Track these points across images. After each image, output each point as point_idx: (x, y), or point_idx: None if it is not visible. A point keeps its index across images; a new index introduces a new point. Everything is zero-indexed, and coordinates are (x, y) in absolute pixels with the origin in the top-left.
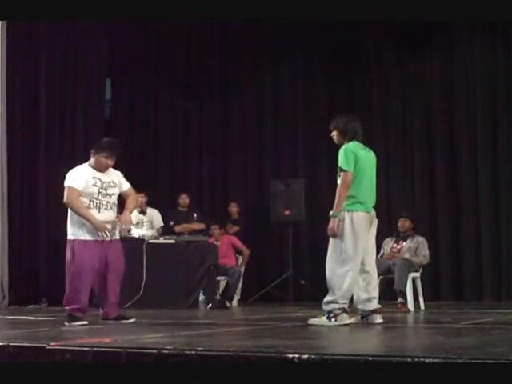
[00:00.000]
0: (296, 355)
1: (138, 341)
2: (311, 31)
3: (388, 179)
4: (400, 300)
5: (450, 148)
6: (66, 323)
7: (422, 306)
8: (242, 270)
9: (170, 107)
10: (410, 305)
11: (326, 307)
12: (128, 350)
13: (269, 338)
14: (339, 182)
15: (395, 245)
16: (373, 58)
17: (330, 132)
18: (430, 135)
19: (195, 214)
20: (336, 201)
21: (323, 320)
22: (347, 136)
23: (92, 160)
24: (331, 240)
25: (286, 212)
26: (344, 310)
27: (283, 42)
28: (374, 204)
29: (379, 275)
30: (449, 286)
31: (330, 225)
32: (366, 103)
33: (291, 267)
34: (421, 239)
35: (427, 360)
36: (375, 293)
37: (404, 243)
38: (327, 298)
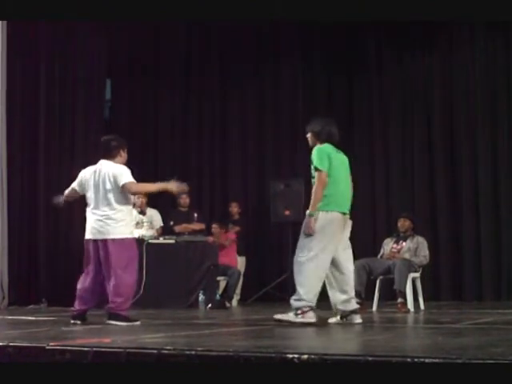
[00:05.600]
0: (296, 355)
1: (138, 341)
2: (311, 31)
3: (388, 179)
4: (400, 300)
5: (449, 148)
6: (119, 323)
7: (422, 306)
8: (239, 265)
9: (170, 107)
10: (410, 305)
11: (294, 304)
12: (128, 350)
13: (269, 338)
14: (315, 181)
15: (395, 245)
16: (373, 58)
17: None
18: (430, 135)
19: (195, 214)
20: (312, 200)
21: (290, 316)
22: (321, 139)
23: (124, 157)
24: (301, 237)
25: (286, 212)
26: (311, 308)
27: (283, 42)
28: (349, 206)
29: (379, 275)
30: (449, 286)
31: (306, 223)
32: (366, 103)
33: (291, 267)
34: (421, 239)
35: (427, 360)
36: (353, 293)
37: (404, 243)
38: (295, 296)
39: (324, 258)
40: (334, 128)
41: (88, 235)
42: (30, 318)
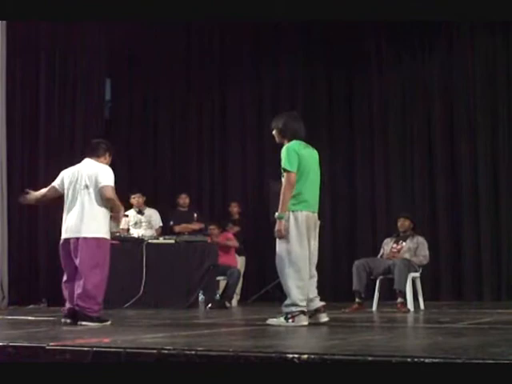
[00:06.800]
0: (296, 355)
1: (138, 341)
2: (311, 31)
3: (388, 179)
4: (400, 300)
5: (450, 148)
6: (90, 323)
7: (422, 306)
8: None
9: (170, 107)
10: (410, 305)
11: (284, 309)
12: (128, 350)
13: (269, 338)
14: (284, 182)
15: (395, 245)
16: (373, 58)
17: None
18: (430, 135)
19: (195, 214)
20: (280, 202)
21: (281, 320)
22: (286, 135)
23: (108, 160)
24: (277, 242)
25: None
26: (302, 312)
27: (283, 42)
28: (317, 204)
29: (379, 275)
30: (449, 286)
31: (277, 227)
32: (366, 103)
33: None
34: (421, 239)
35: (427, 360)
36: (316, 293)
37: (404, 243)
38: (287, 302)
39: (304, 259)
40: (299, 123)
41: (63, 234)
42: (30, 318)
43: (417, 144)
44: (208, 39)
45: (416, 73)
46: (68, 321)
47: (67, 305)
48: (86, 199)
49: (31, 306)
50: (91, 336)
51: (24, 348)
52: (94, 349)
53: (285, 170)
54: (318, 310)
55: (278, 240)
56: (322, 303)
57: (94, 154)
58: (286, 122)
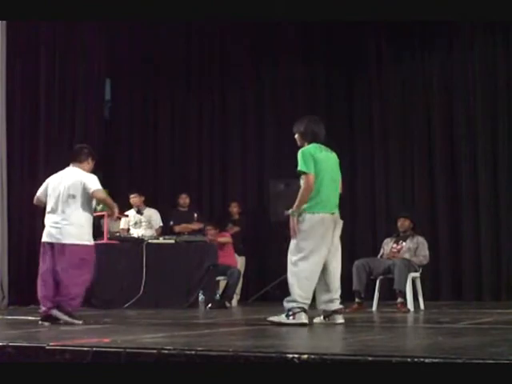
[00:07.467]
0: (296, 355)
1: (138, 341)
2: (311, 31)
3: (388, 179)
4: (400, 300)
5: (449, 148)
6: (72, 320)
7: (422, 306)
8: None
9: (170, 107)
10: (410, 305)
11: (286, 305)
12: (128, 350)
13: (269, 337)
14: (303, 184)
15: (395, 245)
16: (372, 58)
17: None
18: (430, 135)
19: (195, 214)
20: (297, 201)
21: (282, 317)
22: (307, 138)
23: (91, 165)
24: (291, 241)
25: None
26: (303, 310)
27: (283, 42)
28: (337, 205)
29: (379, 275)
30: (448, 285)
31: (290, 224)
32: (366, 103)
33: None
34: (421, 239)
35: (427, 360)
36: (337, 294)
37: (404, 243)
38: (288, 297)
39: (315, 259)
40: (318, 126)
41: (45, 238)
42: (30, 318)
43: (417, 144)
44: (208, 39)
45: (416, 73)
46: (45, 323)
47: (43, 308)
48: (71, 207)
49: (31, 306)
50: (91, 336)
51: (24, 348)
52: (94, 349)
53: (302, 173)
54: (335, 312)
55: (292, 237)
56: (341, 306)
57: (76, 159)
58: (307, 125)
